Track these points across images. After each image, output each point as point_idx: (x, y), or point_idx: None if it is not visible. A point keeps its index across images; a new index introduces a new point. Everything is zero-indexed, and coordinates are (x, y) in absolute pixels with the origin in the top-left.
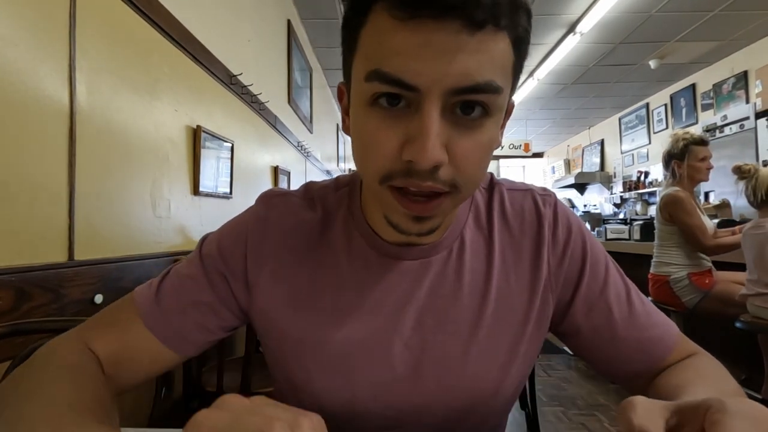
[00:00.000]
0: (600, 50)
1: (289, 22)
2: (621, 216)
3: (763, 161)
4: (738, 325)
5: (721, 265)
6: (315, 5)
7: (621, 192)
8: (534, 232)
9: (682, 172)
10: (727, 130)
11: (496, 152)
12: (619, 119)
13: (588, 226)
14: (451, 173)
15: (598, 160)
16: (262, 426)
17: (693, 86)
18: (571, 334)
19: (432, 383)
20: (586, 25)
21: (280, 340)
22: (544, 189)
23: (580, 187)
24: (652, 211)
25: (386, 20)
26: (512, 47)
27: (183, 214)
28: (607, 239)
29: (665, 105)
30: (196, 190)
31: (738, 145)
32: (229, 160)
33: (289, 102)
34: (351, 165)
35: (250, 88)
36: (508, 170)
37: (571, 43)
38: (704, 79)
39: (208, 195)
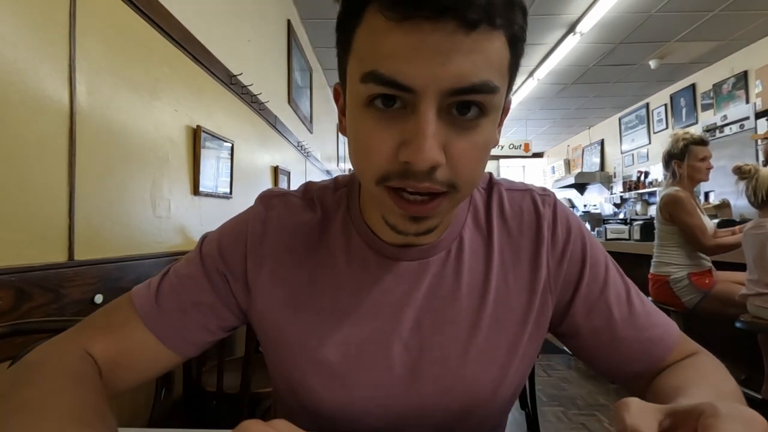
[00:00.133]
0: (600, 50)
1: (289, 22)
2: (621, 216)
3: (763, 161)
4: (738, 325)
5: (721, 265)
6: (315, 5)
7: (621, 192)
8: (533, 232)
9: (682, 172)
10: (727, 130)
11: (496, 152)
12: (619, 119)
13: (588, 226)
14: (449, 174)
15: (598, 160)
16: None
17: (693, 86)
18: (571, 335)
19: (431, 384)
20: (586, 25)
21: (278, 341)
22: (544, 189)
23: (580, 187)
24: (652, 211)
25: (380, 22)
26: (508, 46)
27: (183, 214)
28: (607, 239)
29: (665, 105)
30: (196, 190)
31: (738, 145)
32: (229, 160)
33: (289, 102)
34: (351, 165)
35: (250, 88)
36: (508, 170)
37: (571, 43)
38: (704, 79)
39: (208, 195)
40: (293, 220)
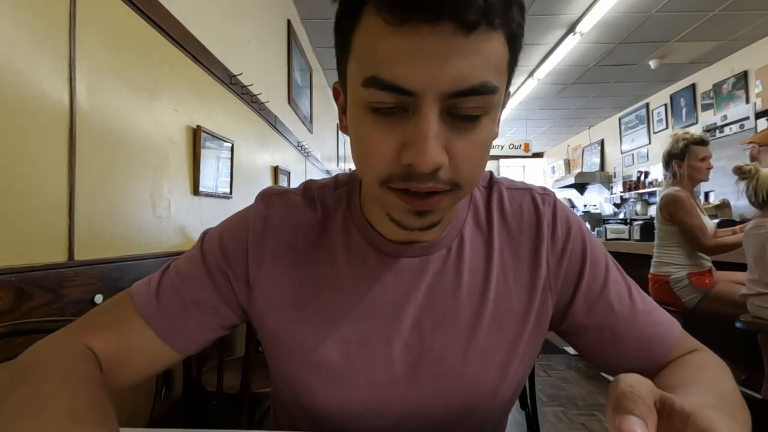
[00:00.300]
0: (600, 50)
1: (289, 22)
2: (621, 216)
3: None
4: (738, 325)
5: (721, 265)
6: (315, 5)
7: (621, 192)
8: (533, 231)
9: (683, 172)
10: (727, 130)
11: (496, 152)
12: (619, 119)
13: (588, 226)
14: (451, 173)
15: (598, 160)
16: None
17: (693, 86)
18: (572, 333)
19: (431, 383)
20: (586, 25)
21: (279, 339)
22: (543, 188)
23: (580, 187)
24: (652, 211)
25: (379, 24)
26: (507, 44)
27: (183, 214)
28: (607, 239)
29: (665, 105)
30: (196, 190)
31: (738, 146)
32: (229, 160)
33: (289, 102)
34: (351, 165)
35: (250, 88)
36: (508, 170)
37: (571, 43)
38: (704, 79)
39: (208, 195)
40: (294, 218)
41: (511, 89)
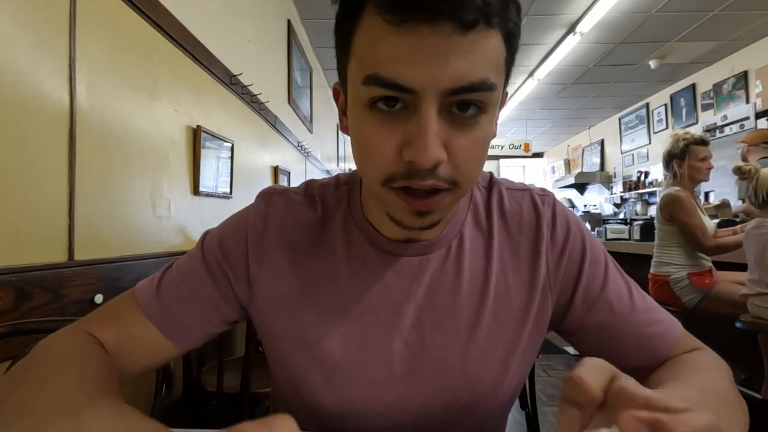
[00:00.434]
0: (600, 50)
1: (289, 22)
2: (621, 216)
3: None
4: (738, 325)
5: (721, 265)
6: (315, 5)
7: (621, 192)
8: (532, 231)
9: (683, 172)
10: (727, 130)
11: (497, 152)
12: (619, 119)
13: (588, 226)
14: (450, 170)
15: (598, 160)
16: None
17: (693, 86)
18: (572, 332)
19: (431, 381)
20: (586, 25)
21: (280, 337)
22: (543, 189)
23: (580, 187)
24: (652, 211)
25: (379, 24)
26: (504, 42)
27: (183, 214)
28: (607, 239)
29: (665, 105)
30: (196, 190)
31: (738, 145)
32: (229, 160)
33: (289, 102)
34: (351, 165)
35: (250, 88)
36: (508, 170)
37: (571, 43)
38: (704, 79)
39: (208, 195)
40: (294, 216)
41: (511, 89)
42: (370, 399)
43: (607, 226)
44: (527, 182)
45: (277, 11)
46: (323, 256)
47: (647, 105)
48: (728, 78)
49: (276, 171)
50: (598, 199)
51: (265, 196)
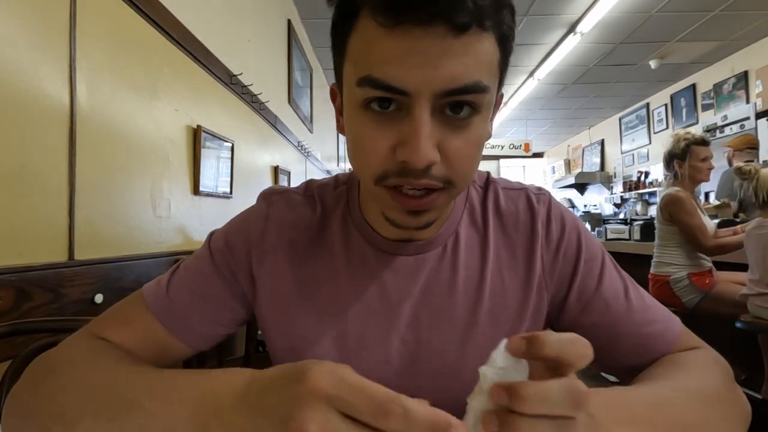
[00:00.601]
0: (600, 50)
1: (289, 21)
2: (621, 216)
3: (764, 161)
4: (738, 325)
5: (721, 265)
6: (315, 5)
7: (621, 192)
8: (528, 229)
9: (684, 172)
10: (727, 130)
11: (497, 152)
12: (620, 119)
13: (588, 226)
14: (444, 170)
15: (598, 160)
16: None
17: (693, 86)
18: (568, 330)
19: (428, 379)
20: (586, 25)
21: (280, 334)
22: (539, 188)
23: (580, 187)
24: (653, 211)
25: (373, 27)
26: (497, 45)
27: (183, 214)
28: (607, 239)
29: (665, 105)
30: (196, 190)
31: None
32: (230, 160)
33: (289, 102)
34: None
35: (250, 87)
36: (508, 170)
37: (572, 43)
38: (704, 79)
39: (208, 195)
40: (294, 216)
41: (512, 89)
42: None
43: (607, 226)
44: (526, 182)
45: (278, 11)
46: (322, 255)
47: (647, 105)
48: (728, 78)
49: (276, 171)
50: (598, 199)
51: (266, 196)
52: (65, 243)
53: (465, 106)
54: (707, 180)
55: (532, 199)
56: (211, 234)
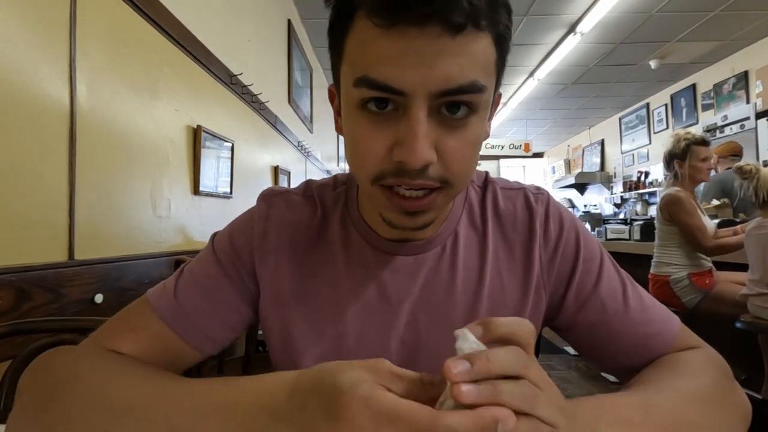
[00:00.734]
0: (600, 50)
1: (289, 21)
2: (621, 216)
3: (764, 161)
4: (738, 325)
5: (721, 265)
6: (315, 5)
7: (621, 192)
8: (526, 229)
9: (684, 172)
10: (727, 131)
11: (497, 152)
12: (620, 119)
13: (588, 226)
14: (441, 170)
15: (598, 160)
16: None
17: (693, 86)
18: (566, 329)
19: None
20: (586, 25)
21: (280, 335)
22: (537, 188)
23: (581, 187)
24: (653, 211)
25: (369, 28)
26: (494, 45)
27: (183, 214)
28: (607, 239)
29: (665, 105)
30: (196, 190)
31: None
32: (230, 160)
33: (289, 102)
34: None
35: (250, 87)
36: (508, 170)
37: (572, 43)
38: (705, 79)
39: (208, 195)
40: (294, 216)
41: (512, 89)
42: None
43: (607, 226)
44: (526, 182)
45: (277, 11)
46: (322, 255)
47: (647, 105)
48: (729, 78)
49: (276, 171)
50: (598, 199)
51: (266, 197)
52: (65, 243)
53: (462, 105)
54: (707, 180)
55: (530, 198)
56: (214, 236)
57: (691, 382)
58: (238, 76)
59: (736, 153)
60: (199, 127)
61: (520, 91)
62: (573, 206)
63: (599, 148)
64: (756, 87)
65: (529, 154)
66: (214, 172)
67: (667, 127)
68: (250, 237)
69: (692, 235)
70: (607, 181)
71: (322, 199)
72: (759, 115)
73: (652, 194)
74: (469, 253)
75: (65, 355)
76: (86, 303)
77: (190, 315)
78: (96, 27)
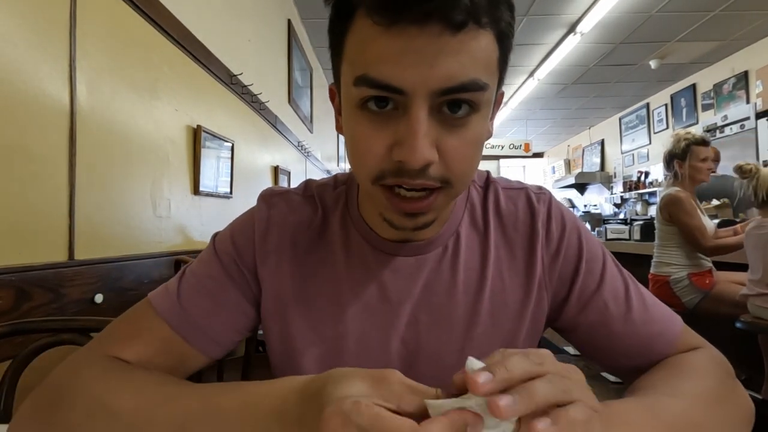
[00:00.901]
0: (600, 50)
1: (289, 21)
2: (621, 216)
3: (764, 161)
4: (738, 325)
5: (721, 265)
6: (315, 5)
7: (621, 192)
8: (528, 229)
9: (684, 172)
10: (727, 131)
11: (497, 152)
12: (620, 119)
13: (588, 226)
14: (442, 170)
15: (598, 160)
16: None
17: (693, 86)
18: (569, 330)
19: (428, 380)
20: (586, 25)
21: (281, 335)
22: (539, 187)
23: (581, 187)
24: (653, 211)
25: (369, 27)
26: (496, 42)
27: (183, 214)
28: (607, 239)
29: (666, 105)
30: (196, 190)
31: (739, 146)
32: (230, 160)
33: (289, 102)
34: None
35: (250, 87)
36: (508, 170)
37: (572, 43)
38: (705, 79)
39: (208, 195)
40: (294, 216)
41: (512, 89)
42: None
43: (608, 226)
44: (526, 182)
45: (277, 11)
46: (323, 255)
47: (647, 105)
48: (729, 78)
49: (276, 171)
50: (598, 199)
51: (266, 197)
52: (65, 243)
53: (463, 104)
54: (707, 180)
55: (532, 198)
56: (215, 236)
57: (696, 385)
58: (238, 76)
59: (715, 159)
60: (199, 127)
61: (520, 91)
62: (573, 206)
63: (599, 148)
64: (756, 87)
65: (529, 154)
66: (214, 172)
67: (667, 127)
68: (251, 237)
69: (692, 235)
70: (607, 181)
71: (322, 199)
72: (759, 115)
73: (652, 194)
74: (471, 253)
75: (68, 364)
76: (86, 303)
77: (195, 317)
78: (96, 27)
